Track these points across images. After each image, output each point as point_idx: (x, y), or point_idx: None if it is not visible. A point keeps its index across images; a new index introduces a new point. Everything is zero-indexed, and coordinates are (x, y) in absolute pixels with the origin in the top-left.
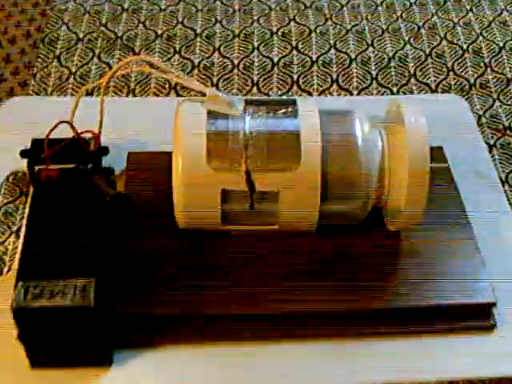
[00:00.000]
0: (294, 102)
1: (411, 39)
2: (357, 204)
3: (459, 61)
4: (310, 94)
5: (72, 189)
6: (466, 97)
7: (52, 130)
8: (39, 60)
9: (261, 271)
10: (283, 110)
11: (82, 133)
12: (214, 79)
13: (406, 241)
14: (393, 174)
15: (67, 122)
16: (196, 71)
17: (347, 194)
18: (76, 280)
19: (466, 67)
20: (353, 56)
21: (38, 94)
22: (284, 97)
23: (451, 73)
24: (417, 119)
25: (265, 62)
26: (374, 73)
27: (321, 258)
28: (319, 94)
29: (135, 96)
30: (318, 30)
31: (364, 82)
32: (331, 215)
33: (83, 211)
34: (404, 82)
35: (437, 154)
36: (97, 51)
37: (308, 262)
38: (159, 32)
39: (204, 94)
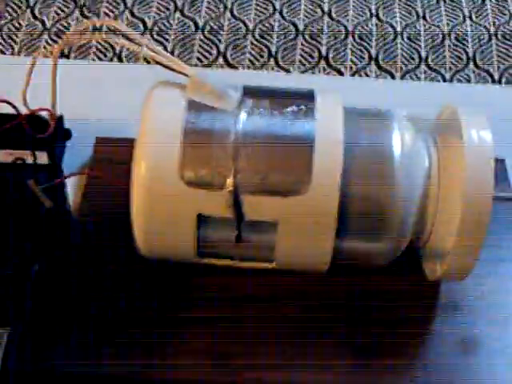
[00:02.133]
0: (311, 95)
1: (472, 13)
2: (386, 243)
3: None
4: (340, 73)
5: (3, 194)
6: None
7: None
8: (8, 10)
9: (241, 325)
10: (294, 107)
11: (36, 111)
12: (221, 46)
13: (446, 291)
14: (441, 206)
15: (7, 102)
16: (199, 35)
17: (374, 228)
18: None
19: None
20: (398, 28)
21: (3, 53)
22: (307, 74)
23: None
24: (481, 136)
25: (287, 28)
26: (423, 52)
27: (329, 308)
28: (353, 74)
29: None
30: None
31: (410, 62)
32: (349, 255)
33: (8, 228)
34: (460, 66)
35: (497, 170)
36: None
37: (310, 315)
38: None
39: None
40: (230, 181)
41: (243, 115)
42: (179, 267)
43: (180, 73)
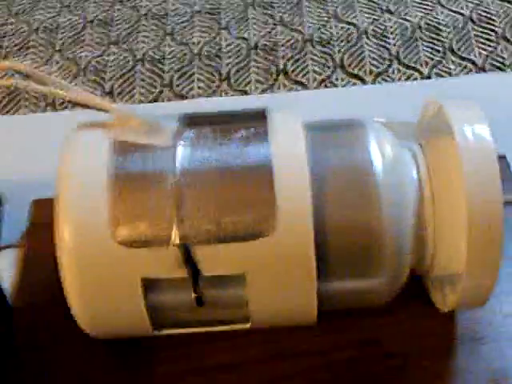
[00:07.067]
0: (262, 115)
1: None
2: (381, 279)
3: None
4: (304, 85)
5: None
6: None
7: None
8: None
9: None
10: (243, 131)
11: None
12: (166, 76)
13: (464, 325)
14: (440, 223)
15: None
16: (139, 67)
17: (363, 264)
18: None
19: None
20: (362, 27)
21: None
22: (263, 95)
23: (502, 41)
24: (478, 133)
25: (237, 45)
26: (393, 49)
27: (326, 365)
28: (318, 85)
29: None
30: None
31: (381, 63)
32: (339, 299)
33: None
34: (437, 58)
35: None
36: None
37: (304, 377)
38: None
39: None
40: (175, 232)
41: (182, 149)
42: (138, 343)
43: (101, 110)
